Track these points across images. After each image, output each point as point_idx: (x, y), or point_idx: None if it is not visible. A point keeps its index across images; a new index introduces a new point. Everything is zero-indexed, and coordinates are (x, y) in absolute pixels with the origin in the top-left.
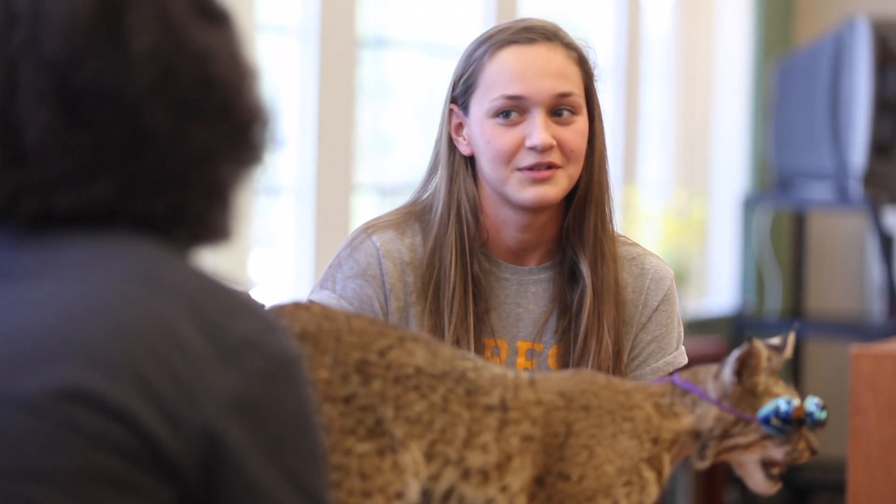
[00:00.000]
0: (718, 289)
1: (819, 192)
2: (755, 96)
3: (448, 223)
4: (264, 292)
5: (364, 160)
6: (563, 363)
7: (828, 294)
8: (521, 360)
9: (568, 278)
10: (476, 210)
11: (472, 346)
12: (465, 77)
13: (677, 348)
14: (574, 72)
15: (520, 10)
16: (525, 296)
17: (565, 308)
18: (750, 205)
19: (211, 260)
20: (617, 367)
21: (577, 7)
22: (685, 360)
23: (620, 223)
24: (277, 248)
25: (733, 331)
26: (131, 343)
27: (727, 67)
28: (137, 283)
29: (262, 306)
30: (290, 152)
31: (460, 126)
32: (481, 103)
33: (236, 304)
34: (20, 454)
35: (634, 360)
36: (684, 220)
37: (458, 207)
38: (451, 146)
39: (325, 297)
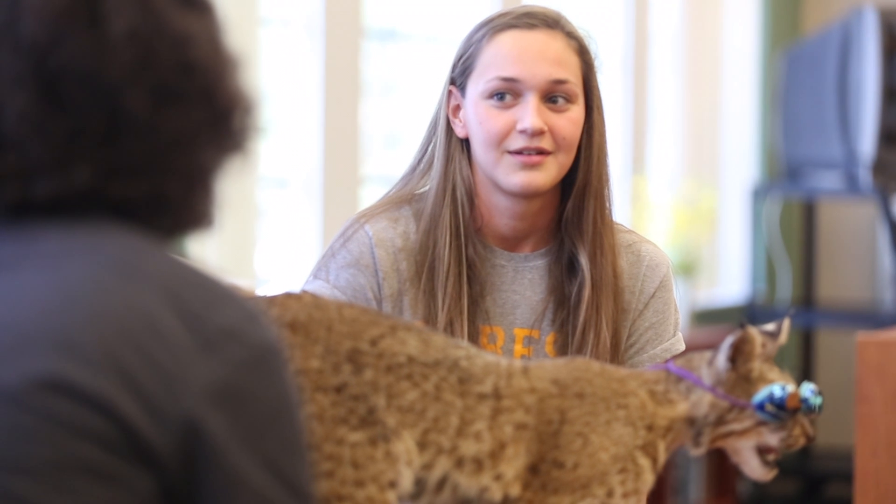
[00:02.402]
0: (729, 279)
1: (828, 180)
2: (763, 86)
3: (443, 204)
4: (271, 285)
5: (371, 152)
6: (562, 352)
7: (838, 283)
8: (518, 348)
9: (566, 268)
10: (471, 193)
11: (466, 330)
12: (463, 58)
13: (674, 335)
14: (573, 60)
15: (526, 1)
16: (521, 282)
17: (563, 298)
18: (759, 194)
19: (218, 252)
20: (614, 358)
21: None
22: (682, 347)
23: (629, 214)
24: (284, 241)
25: (744, 320)
26: (110, 332)
27: (735, 57)
28: (116, 272)
29: (244, 296)
30: (297, 145)
31: (457, 108)
32: (477, 84)
33: (217, 293)
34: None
35: (632, 346)
36: (694, 210)
37: (454, 189)
38: (448, 128)
39: (319, 287)
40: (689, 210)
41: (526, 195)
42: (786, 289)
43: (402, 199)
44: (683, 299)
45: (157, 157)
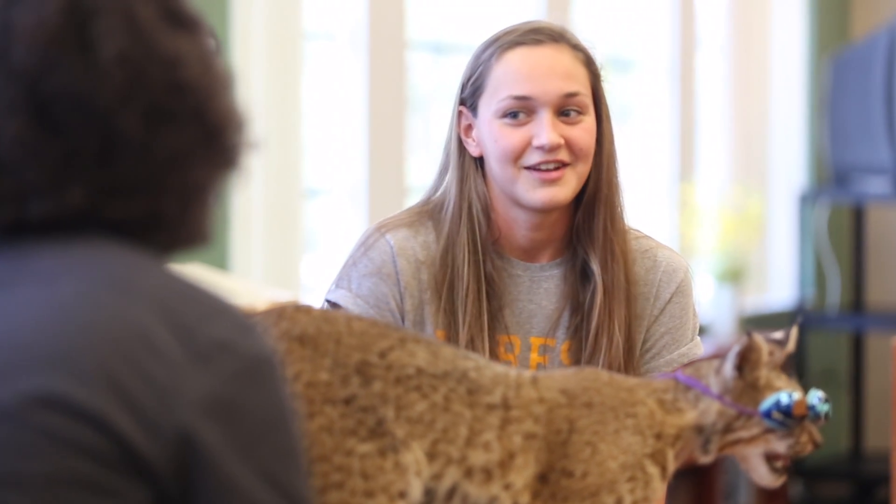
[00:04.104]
0: (778, 284)
1: (876, 185)
2: (811, 91)
3: (460, 223)
4: (316, 295)
5: (415, 163)
6: (576, 359)
7: (888, 287)
8: (534, 356)
9: (580, 276)
10: (487, 209)
11: (486, 344)
12: (473, 79)
13: (692, 340)
14: (581, 72)
15: (572, 12)
16: (538, 292)
17: (577, 305)
18: (807, 200)
19: (264, 262)
20: (629, 362)
21: (632, 5)
22: (701, 352)
23: (677, 221)
24: (330, 252)
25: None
26: (103, 347)
27: (782, 63)
28: (109, 288)
29: (238, 309)
30: (343, 157)
31: (469, 128)
32: (489, 104)
33: (210, 306)
34: None
35: (648, 351)
36: (742, 216)
37: (470, 207)
38: (461, 148)
39: (341, 297)
40: (737, 216)
41: (548, 210)
42: (835, 294)
43: (422, 212)
44: (732, 305)
45: (152, 177)
